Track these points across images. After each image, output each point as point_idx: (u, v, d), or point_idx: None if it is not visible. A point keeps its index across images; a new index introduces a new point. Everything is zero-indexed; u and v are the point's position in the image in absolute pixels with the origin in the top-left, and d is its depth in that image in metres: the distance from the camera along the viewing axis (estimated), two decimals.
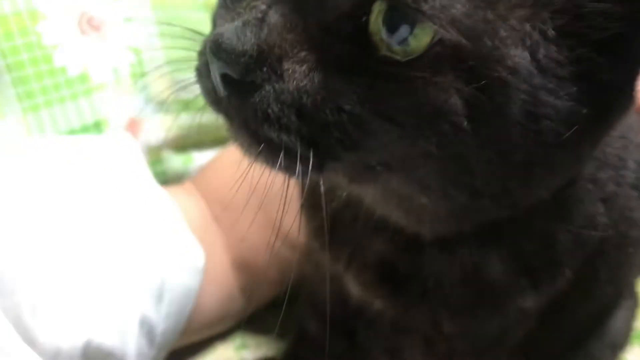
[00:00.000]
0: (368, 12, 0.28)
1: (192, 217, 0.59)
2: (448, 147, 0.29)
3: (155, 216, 0.54)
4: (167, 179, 0.67)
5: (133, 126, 0.63)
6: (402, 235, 0.40)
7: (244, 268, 0.61)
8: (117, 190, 0.53)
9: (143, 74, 0.63)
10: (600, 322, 0.54)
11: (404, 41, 0.28)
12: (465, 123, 0.28)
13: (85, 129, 0.60)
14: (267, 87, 0.30)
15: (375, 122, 0.29)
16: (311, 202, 0.45)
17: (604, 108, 0.31)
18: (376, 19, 0.28)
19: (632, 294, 0.60)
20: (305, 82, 0.30)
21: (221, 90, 0.31)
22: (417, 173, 0.32)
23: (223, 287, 0.60)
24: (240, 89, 0.30)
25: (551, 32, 0.28)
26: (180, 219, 0.56)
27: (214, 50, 0.30)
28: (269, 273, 0.61)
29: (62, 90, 0.59)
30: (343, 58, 0.29)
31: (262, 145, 0.31)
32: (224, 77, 0.30)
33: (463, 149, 0.29)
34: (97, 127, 0.60)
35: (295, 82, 0.30)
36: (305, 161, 0.30)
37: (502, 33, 0.27)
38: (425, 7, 0.26)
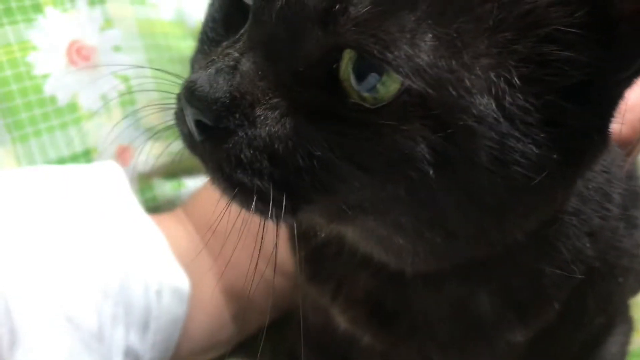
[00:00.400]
0: (338, 60, 0.29)
1: (181, 245, 0.59)
2: (417, 192, 0.30)
3: (140, 246, 0.54)
4: (158, 205, 0.67)
5: (123, 154, 0.63)
6: (386, 271, 0.40)
7: (235, 295, 0.61)
8: (101, 220, 0.53)
9: (132, 102, 0.63)
10: (593, 350, 0.54)
11: (372, 89, 0.28)
12: (432, 170, 0.28)
13: (74, 158, 0.60)
14: (240, 133, 0.30)
15: (345, 168, 0.29)
16: (296, 234, 0.45)
17: (576, 152, 0.31)
18: (346, 67, 0.29)
19: (627, 319, 0.59)
20: (277, 128, 0.30)
21: (196, 135, 0.31)
22: (390, 215, 0.32)
23: (213, 314, 0.59)
24: (214, 135, 0.31)
25: (516, 81, 0.28)
26: (166, 248, 0.56)
27: (188, 97, 0.30)
28: (259, 300, 0.61)
29: (52, 119, 0.59)
30: (314, 104, 0.30)
31: (236, 189, 0.31)
32: (198, 123, 0.31)
33: (432, 194, 0.30)
34: (87, 155, 0.60)
35: (267, 128, 0.30)
36: (278, 205, 0.31)
37: (467, 82, 0.28)
38: (390, 57, 0.27)
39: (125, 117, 0.62)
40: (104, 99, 0.62)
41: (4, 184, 0.51)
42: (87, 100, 0.61)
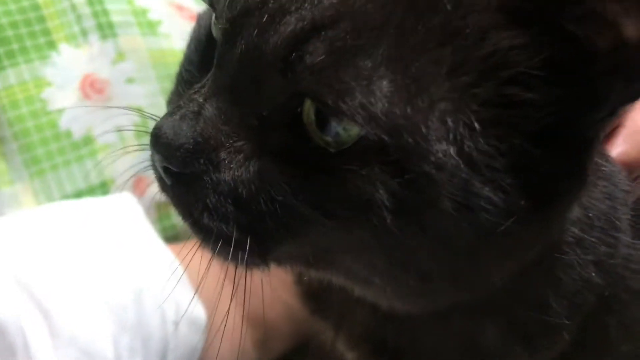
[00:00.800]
0: (301, 104, 0.29)
1: (201, 273, 0.58)
2: (383, 237, 0.29)
3: (156, 276, 0.54)
4: (177, 234, 0.67)
5: (139, 184, 0.63)
6: (382, 309, 0.39)
7: (256, 322, 0.60)
8: (116, 252, 0.53)
9: (147, 132, 0.64)
10: None
11: (335, 134, 0.28)
12: (392, 216, 0.28)
13: (91, 190, 0.61)
14: (205, 178, 0.30)
15: (308, 212, 0.29)
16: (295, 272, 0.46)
17: (547, 197, 0.29)
18: (308, 112, 0.28)
19: None
20: (241, 171, 0.30)
21: (165, 179, 0.32)
22: (362, 258, 0.32)
23: (234, 342, 0.59)
24: (181, 180, 0.31)
25: (477, 125, 0.27)
26: (183, 278, 0.56)
27: (154, 144, 0.31)
28: (281, 326, 0.60)
29: (68, 153, 0.60)
30: (278, 147, 0.29)
31: (203, 234, 0.32)
32: (166, 169, 0.31)
33: (398, 238, 0.29)
34: (104, 187, 0.61)
35: (231, 172, 0.30)
36: (243, 249, 0.30)
37: (423, 129, 0.27)
38: (344, 107, 0.27)
39: (141, 147, 0.63)
40: (119, 130, 0.62)
41: (19, 224, 0.52)
42: (102, 133, 0.62)
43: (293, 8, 0.28)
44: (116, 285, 0.51)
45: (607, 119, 0.29)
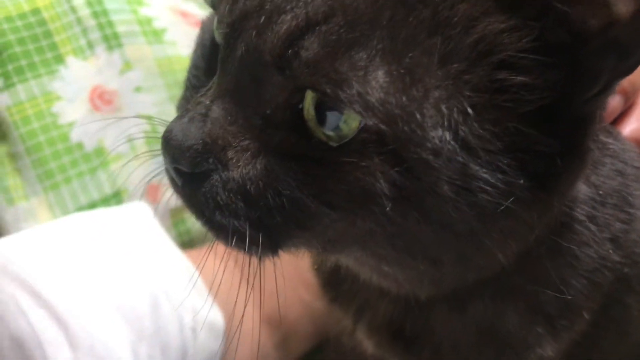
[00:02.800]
0: (302, 101, 0.29)
1: (218, 277, 0.58)
2: (386, 225, 0.30)
3: (173, 284, 0.54)
4: (192, 238, 0.67)
5: (153, 192, 0.64)
6: (403, 296, 0.39)
7: (276, 323, 0.60)
8: (131, 262, 0.54)
9: (158, 140, 0.64)
10: None
11: (336, 127, 0.29)
12: (393, 204, 0.29)
13: (105, 201, 0.61)
14: (215, 177, 0.31)
15: (313, 206, 0.30)
16: (315, 259, 0.46)
17: (547, 176, 0.30)
18: (309, 107, 0.29)
19: None
20: (248, 169, 0.31)
21: (177, 180, 0.33)
22: (370, 246, 0.32)
23: (254, 345, 0.59)
24: (192, 180, 0.32)
25: (471, 111, 0.28)
26: (199, 283, 0.56)
27: (165, 146, 0.32)
28: (301, 326, 0.60)
29: (80, 166, 0.61)
30: (282, 144, 0.30)
31: (217, 231, 0.33)
32: (177, 170, 0.32)
33: (402, 226, 0.30)
34: (117, 197, 0.62)
35: (239, 170, 0.31)
36: (256, 243, 0.32)
37: (418, 117, 0.28)
38: (342, 95, 0.28)
39: (152, 154, 0.63)
40: (130, 140, 0.63)
41: (34, 237, 0.52)
42: (113, 143, 0.62)
43: (288, 7, 0.29)
44: (133, 294, 0.51)
45: (601, 95, 0.30)
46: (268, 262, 0.48)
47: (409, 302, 0.39)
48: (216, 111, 0.31)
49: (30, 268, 0.48)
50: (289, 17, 0.29)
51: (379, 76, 0.27)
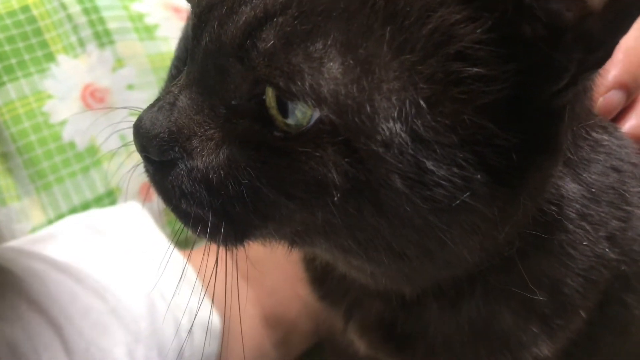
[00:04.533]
0: (265, 91, 0.29)
1: (217, 276, 0.58)
2: (343, 217, 0.30)
3: (168, 285, 0.54)
4: (188, 236, 0.66)
5: (146, 190, 0.63)
6: (389, 294, 0.39)
7: (276, 322, 0.60)
8: (126, 263, 0.53)
9: None
10: None
11: (294, 116, 0.29)
12: (346, 196, 0.28)
13: (98, 200, 0.60)
14: (181, 165, 0.32)
15: (272, 195, 0.30)
16: (304, 256, 0.46)
17: (510, 171, 0.29)
18: (270, 97, 0.29)
19: None
20: (211, 158, 0.31)
21: (148, 168, 0.34)
22: (332, 238, 0.32)
23: (253, 344, 0.58)
24: (161, 167, 0.33)
25: (423, 103, 0.27)
26: (196, 284, 0.55)
27: (135, 135, 0.33)
28: (301, 324, 0.60)
29: (72, 165, 0.60)
30: (245, 133, 0.30)
31: (183, 219, 0.34)
32: (147, 158, 0.33)
33: (358, 218, 0.29)
34: (110, 196, 0.61)
35: (203, 159, 0.32)
36: (219, 231, 0.32)
37: (368, 108, 0.27)
38: (294, 88, 0.28)
39: None
40: (122, 138, 0.62)
41: (29, 243, 0.52)
42: (106, 142, 0.61)
43: None
44: (128, 295, 0.51)
45: (569, 89, 0.29)
46: (266, 260, 0.48)
47: (398, 301, 0.39)
48: (183, 100, 0.32)
49: (22, 272, 0.48)
50: (248, 8, 0.29)
51: (333, 67, 0.27)
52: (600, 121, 0.40)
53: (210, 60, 0.30)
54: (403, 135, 0.27)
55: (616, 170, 0.38)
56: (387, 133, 0.27)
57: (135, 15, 0.68)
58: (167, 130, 0.31)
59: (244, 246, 0.35)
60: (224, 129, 0.31)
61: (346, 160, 0.28)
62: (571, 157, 0.36)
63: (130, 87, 0.65)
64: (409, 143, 0.27)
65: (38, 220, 0.58)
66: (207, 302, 0.55)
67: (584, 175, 0.36)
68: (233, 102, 0.30)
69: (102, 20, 0.65)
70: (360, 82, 0.27)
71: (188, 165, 0.31)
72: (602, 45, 0.27)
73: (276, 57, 0.28)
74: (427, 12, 0.27)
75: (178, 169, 0.32)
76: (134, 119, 0.63)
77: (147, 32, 0.68)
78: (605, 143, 0.38)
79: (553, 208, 0.35)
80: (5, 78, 0.58)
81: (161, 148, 0.32)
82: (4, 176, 0.57)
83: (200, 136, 0.31)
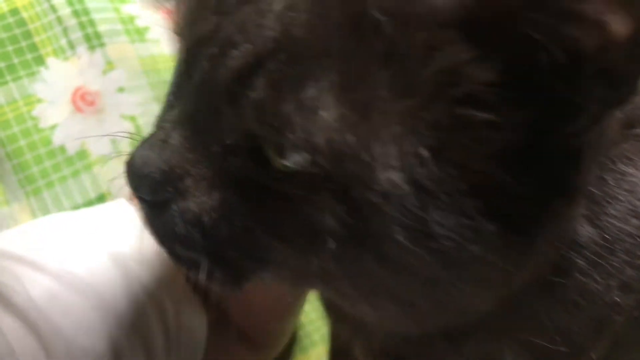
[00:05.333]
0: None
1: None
2: (340, 264, 0.28)
3: (155, 282, 0.53)
4: None
5: None
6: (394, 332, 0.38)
7: (252, 339, 0.59)
8: (109, 259, 0.52)
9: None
10: None
11: (291, 157, 0.27)
12: (343, 244, 0.26)
13: (89, 204, 0.60)
14: (174, 206, 0.30)
15: (266, 239, 0.29)
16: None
17: (524, 218, 0.27)
18: None
19: None
20: (204, 198, 0.30)
21: (142, 208, 0.32)
22: (332, 285, 0.30)
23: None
24: (154, 208, 0.31)
25: (426, 151, 0.25)
26: (185, 288, 0.55)
27: (127, 173, 0.31)
28: (279, 339, 0.59)
29: (63, 169, 0.59)
30: (240, 172, 0.29)
31: (178, 262, 0.32)
32: (140, 197, 0.32)
33: (358, 267, 0.27)
34: (101, 200, 0.61)
35: (196, 200, 0.30)
36: (217, 276, 0.30)
37: (366, 157, 0.25)
38: (285, 142, 0.26)
39: None
40: (113, 142, 0.61)
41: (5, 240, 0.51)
42: (97, 146, 0.61)
43: (239, 39, 0.27)
44: (112, 291, 0.49)
45: (591, 127, 0.26)
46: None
47: (403, 337, 0.37)
48: (175, 138, 0.30)
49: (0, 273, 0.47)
50: (239, 51, 0.27)
51: (328, 114, 0.25)
52: (627, 151, 0.36)
53: (202, 99, 0.29)
54: (404, 185, 0.25)
55: (637, 215, 0.34)
56: (387, 183, 0.25)
57: (126, 18, 0.67)
58: (158, 169, 0.30)
59: (241, 290, 0.33)
60: (217, 168, 0.30)
61: (343, 207, 0.26)
62: (594, 191, 0.32)
63: (121, 89, 0.64)
64: (412, 194, 0.25)
65: None
66: (193, 307, 0.55)
67: (602, 217, 0.33)
68: (227, 142, 0.29)
69: (92, 23, 0.64)
70: (357, 128, 0.25)
71: (181, 207, 0.30)
72: (627, 79, 0.24)
73: (268, 106, 0.26)
74: (431, 52, 0.24)
75: (171, 210, 0.30)
76: (125, 122, 0.63)
77: (138, 34, 0.67)
78: (631, 178, 0.34)
79: (563, 254, 0.32)
80: None
81: (153, 188, 0.30)
82: None
83: (194, 176, 0.30)
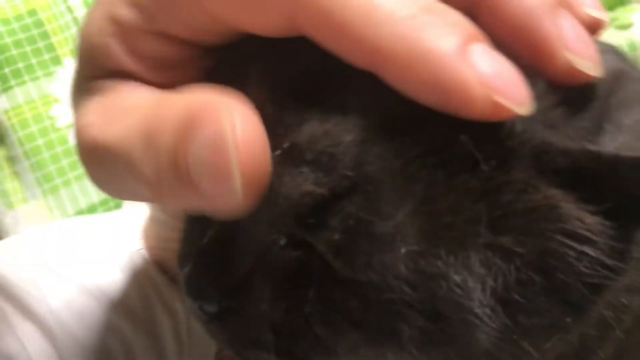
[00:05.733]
0: None
1: None
2: None
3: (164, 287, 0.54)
4: None
5: None
6: None
7: None
8: (122, 263, 0.53)
9: None
10: None
11: None
12: (420, 345, 0.25)
13: (104, 203, 0.61)
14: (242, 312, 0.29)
15: (340, 330, 0.27)
16: None
17: None
18: None
19: None
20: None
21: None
22: None
23: None
24: (220, 315, 0.29)
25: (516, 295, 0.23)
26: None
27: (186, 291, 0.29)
28: None
29: (79, 168, 0.60)
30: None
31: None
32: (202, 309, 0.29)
33: None
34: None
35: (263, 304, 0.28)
36: None
37: (454, 281, 0.23)
38: (364, 278, 0.24)
39: None
40: None
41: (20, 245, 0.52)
42: None
43: None
44: (125, 293, 0.50)
45: None
46: None
47: None
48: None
49: (16, 279, 0.48)
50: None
51: (408, 244, 0.23)
52: None
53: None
54: (488, 310, 0.23)
55: None
56: (470, 307, 0.23)
57: None
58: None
59: None
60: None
61: (422, 318, 0.24)
62: None
63: None
64: (498, 310, 0.24)
65: (45, 223, 0.58)
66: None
67: None
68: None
69: None
70: (447, 257, 0.23)
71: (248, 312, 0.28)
72: None
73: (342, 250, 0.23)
74: (528, 187, 0.22)
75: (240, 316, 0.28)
76: None
77: None
78: None
79: None
80: (12, 82, 0.59)
81: (220, 301, 0.28)
82: (11, 180, 0.58)
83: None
